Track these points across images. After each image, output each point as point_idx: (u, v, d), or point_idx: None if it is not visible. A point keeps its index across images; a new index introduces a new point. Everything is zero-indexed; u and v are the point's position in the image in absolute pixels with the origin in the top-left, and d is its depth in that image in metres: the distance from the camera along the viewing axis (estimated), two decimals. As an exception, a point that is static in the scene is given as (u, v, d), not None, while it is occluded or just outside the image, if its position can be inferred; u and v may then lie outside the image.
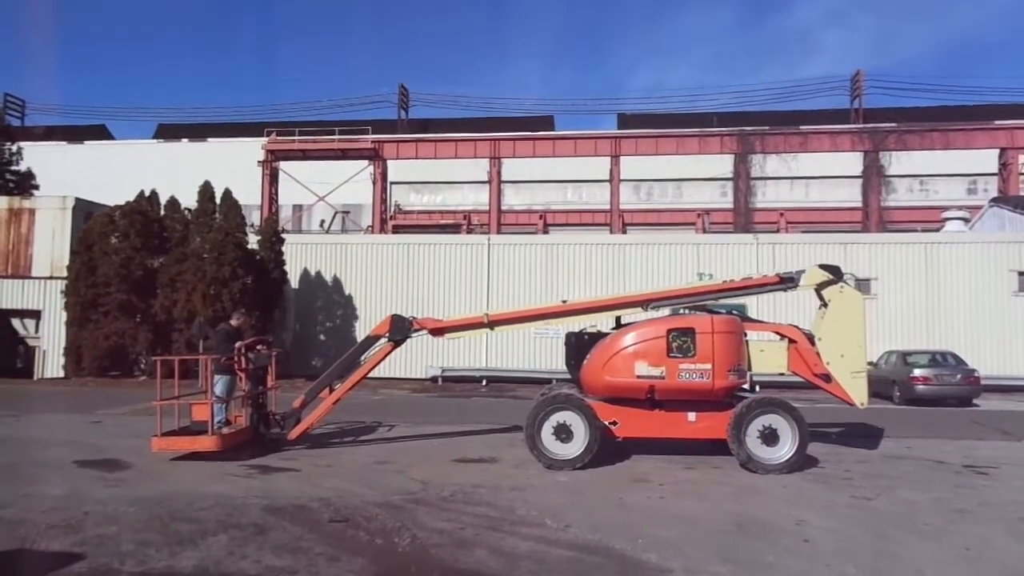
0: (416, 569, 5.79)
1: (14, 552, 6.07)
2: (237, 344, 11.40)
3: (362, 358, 11.90)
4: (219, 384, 11.12)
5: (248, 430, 11.38)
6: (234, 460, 10.19)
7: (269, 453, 10.88)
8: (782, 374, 11.21)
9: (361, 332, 27.68)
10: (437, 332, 11.96)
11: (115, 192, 30.65)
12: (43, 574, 5.56)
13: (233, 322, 12.36)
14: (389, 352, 11.81)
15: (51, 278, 25.80)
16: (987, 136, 40.37)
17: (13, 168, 31.88)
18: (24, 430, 13.39)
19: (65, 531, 6.62)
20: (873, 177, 42.12)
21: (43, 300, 25.92)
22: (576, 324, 12.54)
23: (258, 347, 11.89)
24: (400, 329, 11.66)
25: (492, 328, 11.92)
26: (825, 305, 10.87)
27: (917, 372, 20.48)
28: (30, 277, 26.00)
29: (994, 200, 35.02)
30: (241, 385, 11.48)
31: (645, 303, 11.40)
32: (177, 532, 6.62)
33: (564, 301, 12.34)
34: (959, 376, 20.47)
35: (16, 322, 26.42)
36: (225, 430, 10.87)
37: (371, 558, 6.03)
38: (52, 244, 25.97)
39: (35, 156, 34.34)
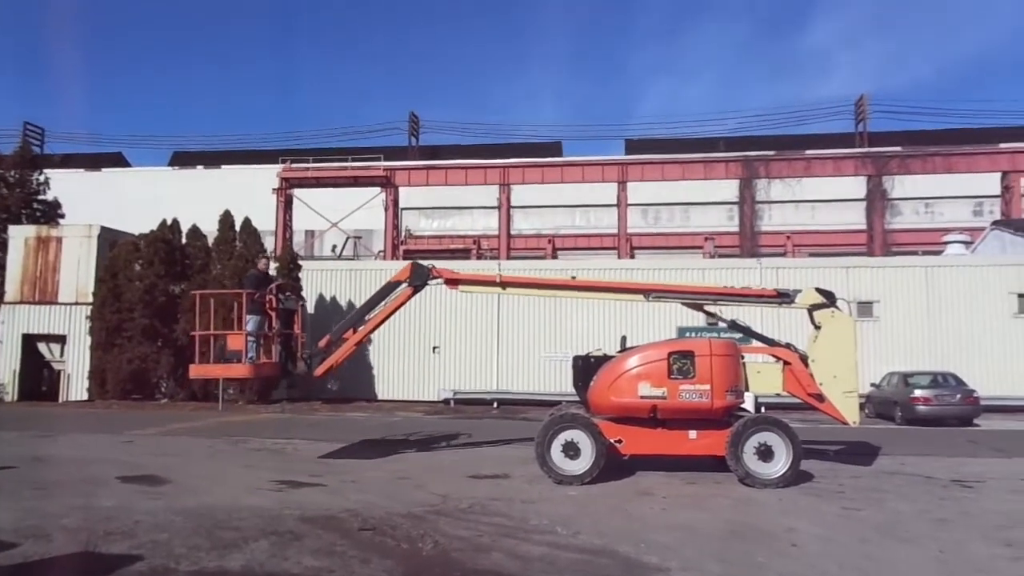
0: (440, 570, 6.45)
1: (80, 554, 6.78)
2: (269, 286, 12.43)
3: (381, 304, 12.65)
4: (251, 322, 12.06)
5: (277, 366, 12.24)
6: (265, 476, 10.88)
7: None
8: (779, 394, 11.86)
9: (375, 357, 28.45)
10: (452, 283, 12.79)
11: (132, 218, 31.69)
12: (108, 572, 6.24)
13: (260, 266, 13.38)
14: (409, 297, 12.64)
15: (76, 304, 26.72)
16: (988, 160, 40.97)
17: (40, 198, 32.97)
18: (61, 449, 14.12)
19: (121, 537, 7.31)
20: (877, 200, 42.72)
21: (68, 325, 26.83)
22: (582, 302, 13.15)
23: (287, 292, 12.92)
24: (419, 275, 12.53)
25: (504, 288, 12.80)
26: (818, 328, 11.54)
27: (918, 393, 20.98)
28: (56, 303, 26.94)
29: (995, 223, 35.60)
30: (271, 325, 12.43)
31: (647, 292, 12.19)
32: (222, 538, 7.30)
33: (573, 277, 13.19)
34: (959, 396, 20.97)
35: (42, 346, 27.29)
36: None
37: (399, 560, 6.69)
38: (78, 271, 26.91)
39: (54, 183, 35.32)
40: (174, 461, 12.33)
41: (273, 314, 12.61)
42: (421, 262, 12.92)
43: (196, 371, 11.72)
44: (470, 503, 9.08)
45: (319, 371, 12.33)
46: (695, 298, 12.60)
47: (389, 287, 12.73)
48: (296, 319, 13.30)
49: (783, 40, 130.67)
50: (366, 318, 12.85)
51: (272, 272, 13.76)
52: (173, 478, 10.68)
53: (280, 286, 12.90)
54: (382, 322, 12.75)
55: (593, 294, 13.04)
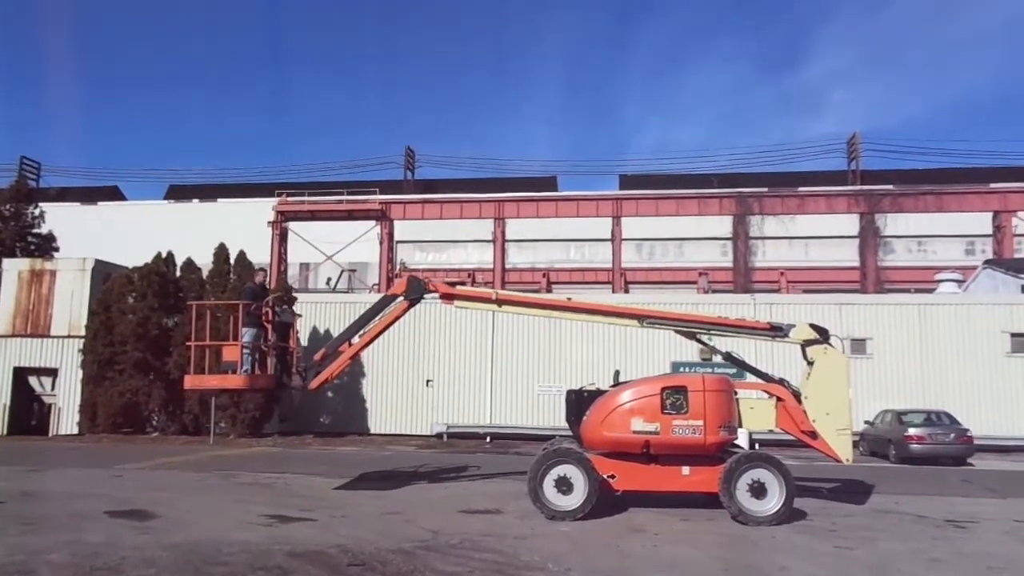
0: (430, 607, 6.39)
1: (66, 590, 6.70)
2: (266, 299, 12.51)
3: (377, 318, 12.62)
4: (247, 334, 12.06)
5: (273, 378, 12.24)
6: (255, 510, 10.79)
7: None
8: (772, 431, 11.83)
9: (368, 390, 28.36)
10: (448, 298, 12.72)
11: (127, 252, 31.72)
12: (94, 609, 6.17)
13: (257, 280, 13.50)
14: (405, 311, 12.59)
15: (68, 337, 26.63)
16: (980, 199, 41.36)
17: (35, 231, 33.10)
18: (50, 484, 13.99)
19: (108, 573, 7.23)
20: (869, 238, 43.03)
21: (60, 358, 26.72)
22: (576, 335, 12.87)
23: (283, 305, 13.00)
24: (415, 288, 12.47)
25: (500, 306, 12.71)
26: (811, 364, 11.55)
27: (912, 431, 20.91)
28: (48, 336, 26.86)
29: (988, 262, 35.80)
30: (267, 338, 12.49)
31: (641, 317, 12.17)
32: (210, 574, 7.22)
33: (569, 299, 13.24)
34: (952, 435, 20.92)
35: (33, 380, 27.14)
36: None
37: (388, 597, 6.63)
38: (71, 304, 26.87)
39: (50, 217, 35.45)
40: (163, 495, 12.21)
41: (269, 327, 12.72)
42: (417, 275, 12.94)
43: (191, 382, 11.76)
44: (461, 539, 9.00)
45: (314, 384, 12.34)
46: (689, 326, 12.57)
47: (385, 301, 12.77)
48: (292, 333, 13.42)
49: (777, 79, 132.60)
50: (361, 332, 12.82)
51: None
52: (162, 512, 10.58)
53: (276, 299, 13.07)
54: (377, 336, 12.74)
55: (588, 316, 13.04)
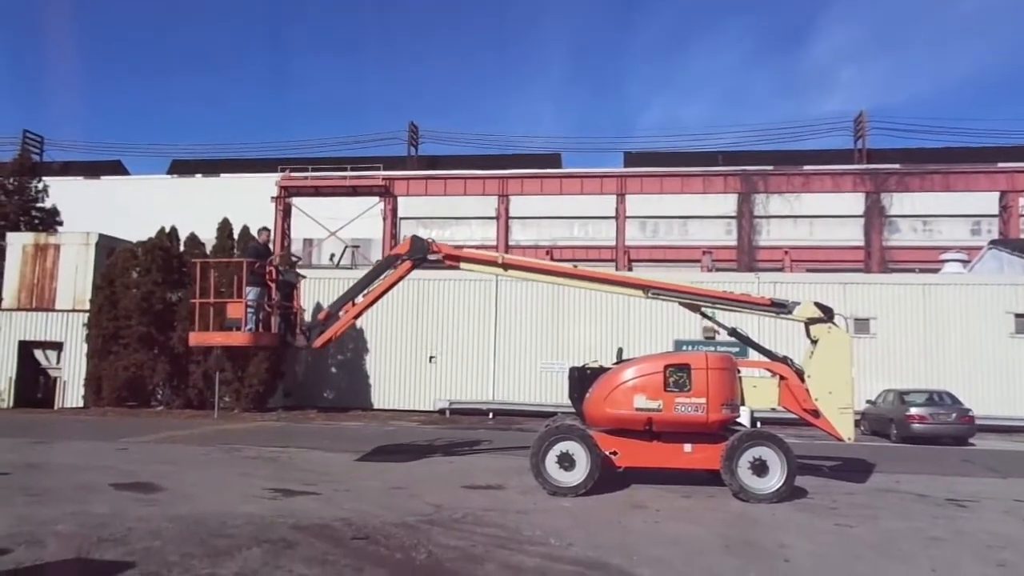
0: (432, 580, 6.45)
1: (73, 560, 6.77)
2: (269, 258, 12.61)
3: (380, 278, 12.64)
4: (251, 293, 12.17)
5: (276, 336, 12.37)
6: (259, 484, 10.87)
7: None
8: (774, 409, 11.86)
9: (372, 365, 28.44)
10: (452, 259, 12.74)
11: (130, 226, 31.76)
12: (100, 579, 6.25)
13: (261, 239, 13.59)
14: (408, 271, 12.60)
15: (73, 311, 26.74)
16: (987, 179, 41.13)
17: (39, 205, 33.14)
18: (56, 456, 14.11)
19: (114, 544, 7.29)
20: (875, 217, 42.88)
21: (65, 332, 26.85)
22: (579, 312, 12.86)
23: (287, 265, 13.15)
24: (419, 249, 12.49)
25: (505, 270, 12.73)
26: (814, 342, 11.55)
27: (913, 410, 20.94)
28: (53, 310, 26.98)
29: (993, 242, 35.71)
30: (270, 297, 12.63)
31: (646, 288, 12.20)
32: (215, 546, 7.29)
33: (575, 266, 13.22)
34: (954, 415, 20.93)
35: (39, 353, 27.29)
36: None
37: (391, 570, 6.68)
38: (75, 278, 26.94)
39: (52, 191, 35.49)
40: (168, 468, 12.32)
41: (273, 286, 12.79)
42: (421, 236, 12.95)
43: (196, 339, 12.00)
44: (464, 513, 9.06)
45: (318, 342, 12.41)
46: (693, 299, 12.51)
47: (388, 261, 12.78)
48: (295, 293, 13.48)
49: (784, 57, 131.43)
50: (364, 293, 12.83)
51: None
52: (167, 485, 10.66)
53: (281, 259, 13.17)
54: (380, 296, 12.76)
55: (593, 284, 12.98)
